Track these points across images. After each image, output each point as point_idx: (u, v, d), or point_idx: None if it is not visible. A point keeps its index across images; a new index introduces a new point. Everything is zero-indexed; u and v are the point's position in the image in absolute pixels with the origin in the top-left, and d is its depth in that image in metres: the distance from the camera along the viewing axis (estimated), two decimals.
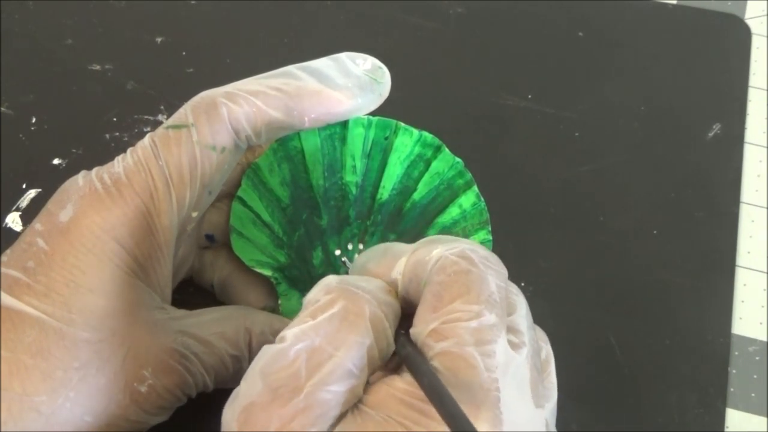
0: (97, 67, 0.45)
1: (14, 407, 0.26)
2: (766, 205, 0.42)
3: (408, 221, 0.34)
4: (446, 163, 0.33)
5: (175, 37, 0.46)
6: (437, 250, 0.26)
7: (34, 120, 0.43)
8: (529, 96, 0.44)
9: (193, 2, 0.47)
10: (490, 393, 0.24)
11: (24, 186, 0.41)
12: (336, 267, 0.34)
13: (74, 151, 0.42)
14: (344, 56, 0.33)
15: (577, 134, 0.43)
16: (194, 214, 0.31)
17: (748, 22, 0.47)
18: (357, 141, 0.33)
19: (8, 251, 0.29)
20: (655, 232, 0.41)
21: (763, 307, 0.39)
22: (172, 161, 0.30)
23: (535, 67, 0.46)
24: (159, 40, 0.46)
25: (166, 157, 0.30)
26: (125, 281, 0.29)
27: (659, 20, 0.47)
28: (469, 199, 0.33)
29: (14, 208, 0.40)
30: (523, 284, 0.39)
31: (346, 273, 0.33)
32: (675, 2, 0.48)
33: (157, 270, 0.30)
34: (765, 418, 0.37)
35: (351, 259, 0.34)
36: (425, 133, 0.33)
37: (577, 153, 0.43)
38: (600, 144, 0.43)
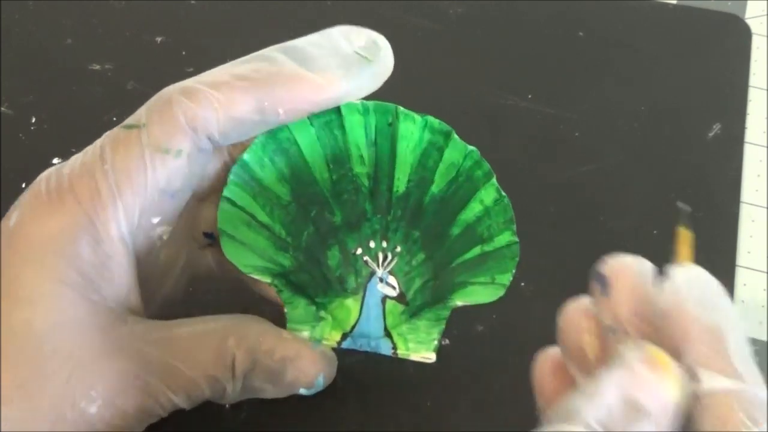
0: (97, 67, 0.45)
1: None
2: (766, 205, 0.42)
3: (429, 216, 0.31)
4: (459, 151, 0.30)
5: (175, 37, 0.46)
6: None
7: (33, 120, 0.43)
8: (529, 96, 0.44)
9: (193, 2, 0.47)
10: None
11: (24, 185, 0.40)
12: (357, 267, 0.31)
13: (74, 150, 0.41)
14: (336, 31, 0.29)
15: (577, 134, 0.43)
16: (155, 221, 0.28)
17: (748, 21, 0.47)
18: (357, 129, 0.30)
19: None
20: (655, 232, 0.41)
21: (763, 306, 0.39)
22: (119, 165, 0.27)
23: (535, 67, 0.46)
24: (159, 39, 0.46)
25: (112, 160, 0.27)
26: (69, 296, 0.26)
27: (659, 20, 0.47)
28: (489, 194, 0.30)
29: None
30: (523, 284, 0.39)
31: (369, 274, 0.31)
32: (675, 2, 0.48)
33: (112, 282, 0.27)
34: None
35: (374, 259, 0.31)
36: (429, 118, 0.30)
37: (577, 153, 0.43)
38: (600, 144, 0.43)
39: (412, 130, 0.30)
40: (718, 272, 0.39)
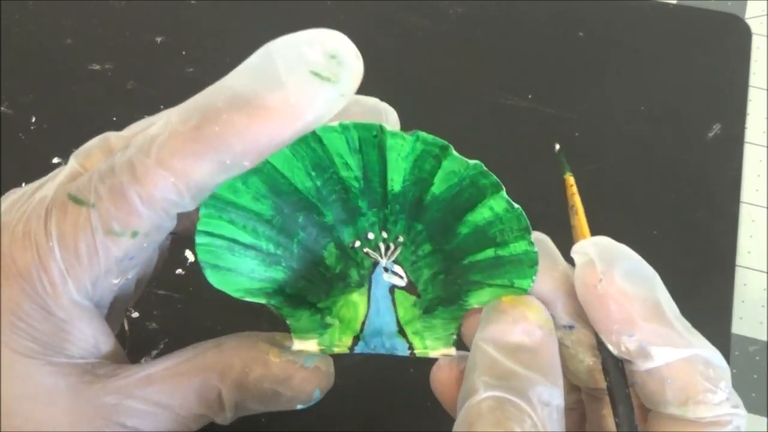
0: (97, 67, 0.45)
1: None
2: (766, 205, 0.42)
3: (433, 213, 0.29)
4: (460, 164, 0.28)
5: (175, 37, 0.46)
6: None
7: (33, 119, 0.43)
8: (530, 96, 0.44)
9: (193, 2, 0.47)
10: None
11: (23, 185, 0.41)
12: (358, 260, 0.30)
13: (74, 150, 0.42)
14: (282, 46, 0.24)
15: (577, 134, 0.43)
16: (115, 281, 0.26)
17: (748, 21, 0.47)
18: (337, 142, 0.27)
19: None
20: (654, 232, 0.41)
21: (763, 306, 0.39)
22: (66, 245, 0.24)
23: (535, 68, 0.46)
24: (159, 39, 0.46)
25: (58, 236, 0.24)
26: (28, 365, 0.25)
27: (659, 20, 0.47)
28: (499, 204, 0.28)
29: None
30: None
31: (373, 264, 0.29)
32: (675, 2, 0.48)
33: (74, 342, 0.26)
34: (765, 418, 0.37)
35: (375, 250, 0.29)
36: (420, 133, 0.27)
37: (577, 153, 0.43)
38: (600, 144, 0.43)
39: (402, 144, 0.27)
40: (717, 272, 0.40)
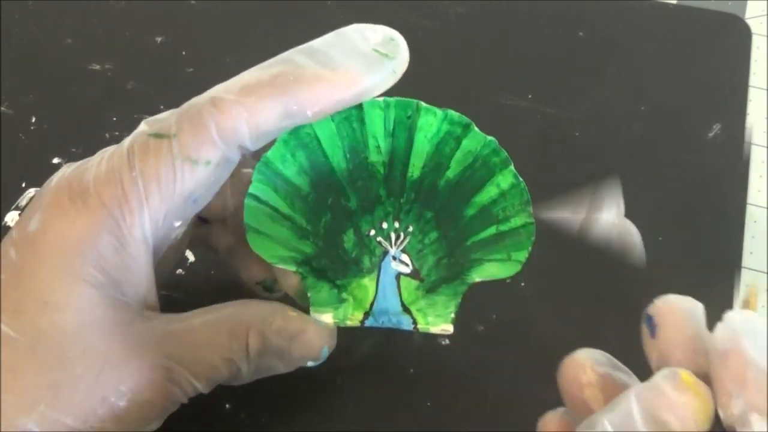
0: (97, 67, 0.45)
1: None
2: (767, 206, 0.42)
3: (443, 198, 0.32)
4: (478, 141, 0.31)
5: (175, 37, 0.46)
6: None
7: (34, 119, 0.43)
8: (530, 96, 0.44)
9: (193, 2, 0.47)
10: None
11: (23, 185, 0.41)
12: (371, 248, 0.32)
13: (74, 150, 0.42)
14: (352, 29, 0.30)
15: (577, 134, 0.43)
16: (177, 224, 0.29)
17: (748, 21, 0.47)
18: (377, 121, 0.31)
19: None
20: (655, 233, 0.41)
21: (763, 306, 0.39)
22: (148, 173, 0.27)
23: (535, 67, 0.46)
24: (159, 39, 0.46)
25: (141, 167, 0.27)
26: (95, 297, 0.27)
27: (660, 20, 0.47)
28: (506, 179, 0.31)
29: (14, 207, 0.40)
30: (523, 284, 0.39)
31: (383, 253, 0.32)
32: (675, 2, 0.48)
33: (133, 281, 0.29)
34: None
35: (386, 239, 0.32)
36: (450, 111, 0.31)
37: (577, 153, 0.43)
38: (600, 144, 0.43)
39: (431, 122, 0.31)
40: (719, 274, 0.40)
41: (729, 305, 0.39)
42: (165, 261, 0.32)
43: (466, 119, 0.31)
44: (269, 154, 0.31)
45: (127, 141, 0.29)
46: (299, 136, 0.31)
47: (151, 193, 0.28)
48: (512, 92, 0.44)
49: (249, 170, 0.33)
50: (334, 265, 0.32)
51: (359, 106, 0.30)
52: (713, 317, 0.39)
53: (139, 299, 0.29)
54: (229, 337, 0.29)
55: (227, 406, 0.35)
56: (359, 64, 0.29)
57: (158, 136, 0.28)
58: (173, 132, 0.28)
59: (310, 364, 0.31)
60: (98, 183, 0.28)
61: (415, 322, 0.32)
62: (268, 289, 0.34)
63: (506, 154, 0.31)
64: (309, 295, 0.32)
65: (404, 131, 0.31)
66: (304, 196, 0.32)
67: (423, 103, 0.31)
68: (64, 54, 0.45)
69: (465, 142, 0.31)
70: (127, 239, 0.28)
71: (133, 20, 0.46)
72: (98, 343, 0.27)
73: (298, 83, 0.28)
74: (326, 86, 0.28)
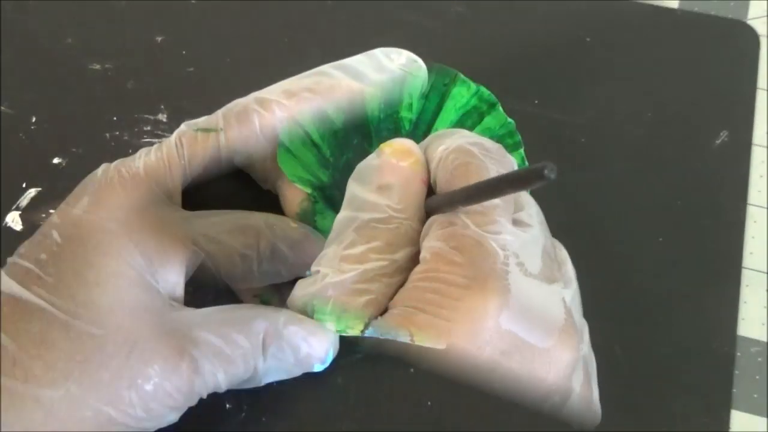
0: (97, 66, 0.45)
1: (16, 395, 0.26)
2: (767, 206, 0.42)
3: None
4: (498, 120, 0.35)
5: (175, 37, 0.46)
6: (441, 147, 0.27)
7: (34, 119, 0.43)
8: (536, 101, 0.44)
9: (193, 1, 0.47)
10: (496, 266, 0.24)
11: (24, 185, 0.41)
12: None
13: (74, 150, 0.42)
14: (378, 52, 0.34)
15: (583, 140, 0.43)
16: None
17: (750, 23, 0.47)
18: (416, 82, 0.35)
19: (26, 242, 0.30)
20: (660, 239, 0.41)
21: (764, 307, 0.39)
22: (195, 161, 0.31)
23: (541, 72, 0.46)
24: (159, 39, 0.46)
25: (189, 156, 0.31)
26: (133, 277, 0.29)
27: (667, 26, 0.47)
28: (515, 160, 0.34)
29: (14, 207, 0.40)
30: None
31: None
32: (677, 3, 0.48)
33: (167, 269, 0.30)
34: (767, 419, 0.37)
35: None
36: (482, 88, 0.35)
37: (583, 159, 0.43)
38: (606, 150, 0.43)
39: (463, 94, 0.35)
40: (723, 280, 0.40)
41: (730, 305, 0.39)
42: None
43: (494, 98, 0.35)
44: None
45: (173, 136, 0.32)
46: None
47: (194, 172, 0.31)
48: (518, 97, 0.44)
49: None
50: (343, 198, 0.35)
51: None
52: (714, 317, 0.39)
53: (169, 289, 0.30)
54: (244, 236, 0.32)
55: (228, 406, 0.35)
56: (387, 79, 0.33)
57: (206, 130, 0.31)
58: (220, 126, 0.31)
59: (316, 368, 0.31)
60: (148, 168, 0.30)
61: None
62: (265, 303, 0.35)
63: (520, 138, 0.35)
64: (315, 219, 0.34)
65: (437, 96, 0.35)
66: (336, 131, 0.35)
67: (461, 75, 0.35)
68: (64, 53, 0.45)
69: (487, 119, 0.35)
70: (170, 221, 0.30)
71: (133, 20, 0.46)
72: (131, 323, 0.28)
73: (333, 91, 0.32)
74: (355, 93, 0.33)
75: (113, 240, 0.29)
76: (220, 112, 0.32)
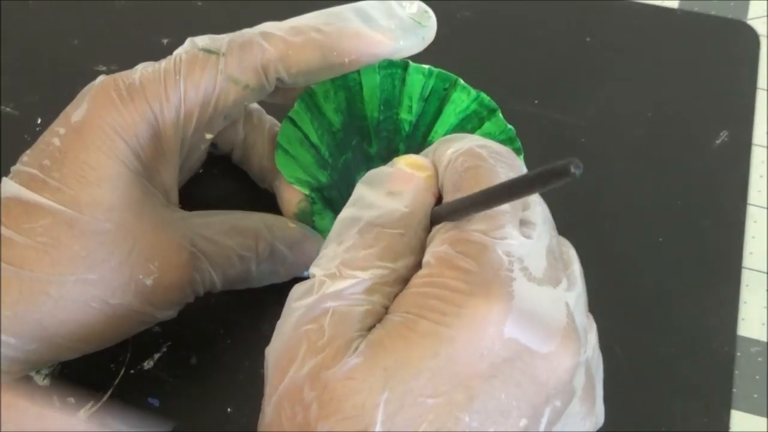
0: (103, 68, 0.45)
1: (25, 288, 0.28)
2: (767, 206, 0.42)
3: None
4: (498, 126, 0.34)
5: (180, 39, 0.46)
6: (449, 150, 0.27)
7: (39, 121, 0.43)
8: (536, 101, 0.44)
9: (199, 3, 0.47)
10: (501, 272, 0.24)
11: None
12: None
13: None
14: (390, 1, 0.34)
15: (583, 140, 0.43)
16: (208, 136, 0.33)
17: (749, 22, 0.47)
18: (416, 85, 0.34)
19: (28, 151, 0.31)
20: (660, 239, 0.41)
21: (764, 307, 0.40)
22: (191, 80, 0.31)
23: (541, 73, 0.46)
24: (165, 41, 0.46)
25: (186, 73, 0.31)
26: (131, 178, 0.30)
27: (667, 26, 0.47)
28: None
29: None
30: None
31: None
32: (677, 4, 0.48)
33: (161, 173, 0.32)
34: (766, 419, 0.37)
35: None
36: (483, 94, 0.35)
37: (583, 159, 0.42)
38: (606, 150, 0.43)
39: (463, 99, 0.35)
40: (723, 280, 0.40)
41: (730, 305, 0.39)
42: (183, 172, 0.35)
43: (494, 105, 0.35)
44: (316, 87, 0.34)
45: (175, 53, 0.32)
46: (346, 78, 0.34)
47: (189, 98, 0.31)
48: (518, 97, 0.44)
49: (258, 107, 0.37)
50: (343, 199, 0.34)
51: (405, 68, 0.34)
52: (714, 318, 0.39)
53: (165, 192, 0.32)
54: (242, 237, 0.33)
55: (229, 410, 0.35)
56: (396, 27, 0.33)
57: (208, 51, 0.31)
58: (223, 51, 0.31)
59: (306, 273, 0.34)
60: (144, 80, 0.31)
61: None
62: None
63: (519, 144, 0.35)
64: (314, 220, 0.35)
65: (437, 100, 0.35)
66: (334, 132, 0.35)
67: (461, 81, 0.35)
68: (69, 55, 0.46)
69: (487, 125, 0.34)
70: (161, 134, 0.31)
71: (138, 21, 0.47)
72: (132, 220, 0.30)
73: (342, 33, 0.32)
74: (365, 40, 0.32)
75: (111, 144, 0.30)
76: (226, 37, 0.32)
